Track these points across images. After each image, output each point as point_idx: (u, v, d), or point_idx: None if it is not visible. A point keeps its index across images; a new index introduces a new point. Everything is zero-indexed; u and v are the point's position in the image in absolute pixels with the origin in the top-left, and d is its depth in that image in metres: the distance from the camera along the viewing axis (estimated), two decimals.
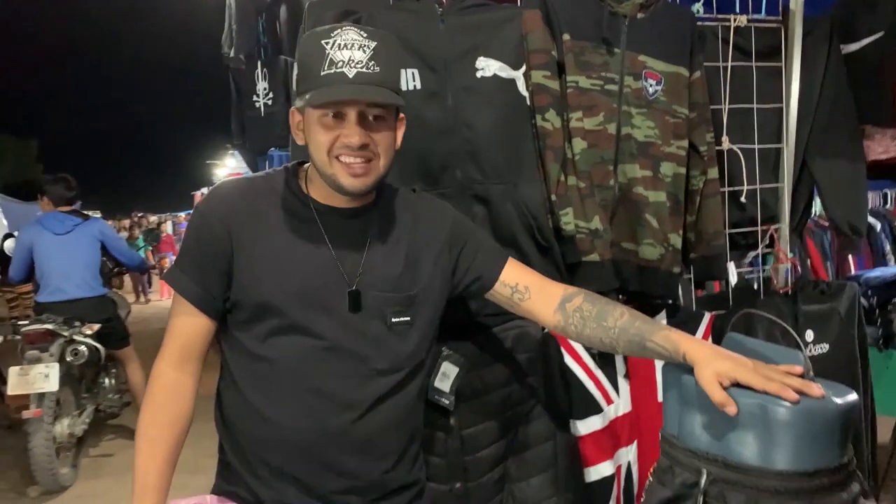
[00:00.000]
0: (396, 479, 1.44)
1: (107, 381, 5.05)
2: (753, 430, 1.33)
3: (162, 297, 13.83)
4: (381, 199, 1.46)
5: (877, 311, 3.07)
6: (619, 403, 2.07)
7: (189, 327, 1.39)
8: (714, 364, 1.30)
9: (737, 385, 1.35)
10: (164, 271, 1.48)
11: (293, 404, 1.36)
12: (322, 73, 1.27)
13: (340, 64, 1.27)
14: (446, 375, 1.83)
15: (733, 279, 2.45)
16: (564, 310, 1.50)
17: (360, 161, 1.32)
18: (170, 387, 1.39)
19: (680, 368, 1.55)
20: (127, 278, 12.26)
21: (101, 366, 4.87)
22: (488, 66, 1.92)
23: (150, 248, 13.34)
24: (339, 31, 1.29)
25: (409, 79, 1.86)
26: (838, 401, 1.31)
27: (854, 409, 1.32)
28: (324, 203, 1.41)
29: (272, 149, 4.41)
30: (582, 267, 1.96)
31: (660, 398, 2.12)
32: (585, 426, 2.00)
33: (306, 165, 1.45)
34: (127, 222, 18.79)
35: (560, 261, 1.96)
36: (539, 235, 1.93)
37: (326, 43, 1.28)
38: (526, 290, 1.54)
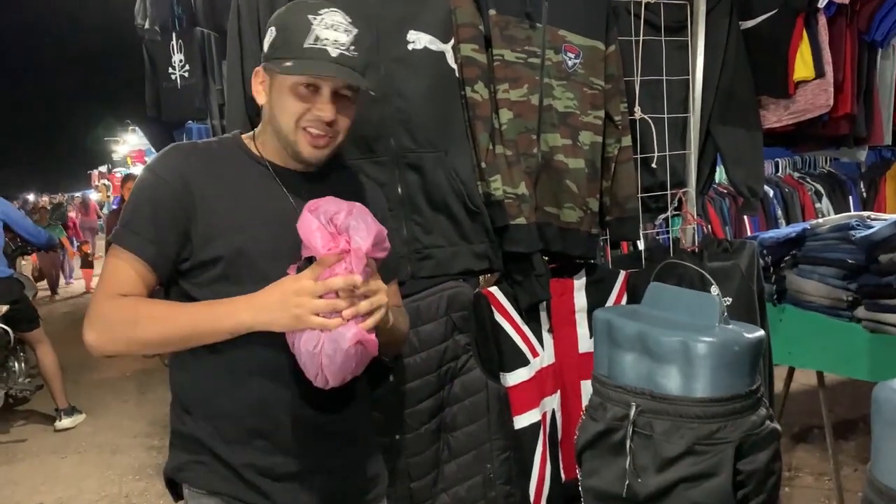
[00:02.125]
0: (354, 427, 1.50)
1: (16, 365, 4.91)
2: (676, 363, 1.50)
3: (88, 289, 12.05)
4: (331, 168, 1.51)
5: (772, 268, 3.31)
6: (544, 356, 2.22)
7: (136, 284, 1.33)
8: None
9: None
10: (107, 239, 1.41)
11: (259, 365, 1.37)
12: (305, 46, 1.32)
13: (325, 42, 1.33)
14: None
15: (641, 241, 2.64)
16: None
17: (324, 135, 1.38)
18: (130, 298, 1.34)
19: (609, 314, 1.71)
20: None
21: (9, 349, 4.73)
22: (419, 39, 2.00)
23: (64, 233, 12.23)
24: (327, 10, 1.35)
25: None
26: (748, 335, 1.49)
27: (761, 343, 1.50)
28: (281, 165, 1.44)
29: (189, 121, 4.32)
30: (509, 230, 2.08)
31: (580, 350, 2.28)
32: (514, 377, 2.15)
33: (251, 133, 1.49)
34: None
35: (489, 224, 2.07)
36: (469, 201, 2.03)
37: (313, 18, 1.33)
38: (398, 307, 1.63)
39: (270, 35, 1.38)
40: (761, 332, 1.51)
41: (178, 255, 1.37)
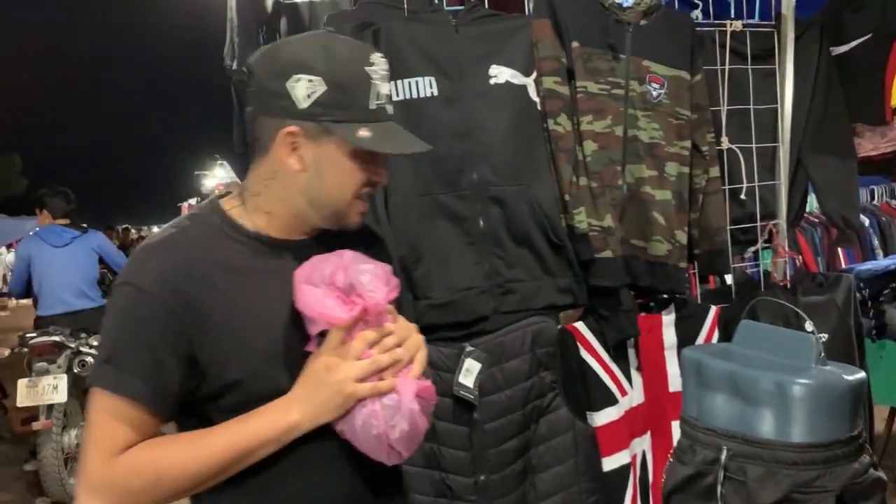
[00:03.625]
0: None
1: None
2: (770, 406, 1.43)
3: None
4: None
5: (869, 302, 3.17)
6: (633, 395, 2.16)
7: (135, 436, 1.07)
8: None
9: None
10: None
11: (309, 459, 1.14)
12: (372, 108, 1.13)
13: (384, 99, 1.15)
14: (469, 371, 1.91)
15: (731, 275, 2.56)
16: None
17: (370, 201, 1.23)
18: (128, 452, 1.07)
19: (698, 353, 1.65)
20: None
21: None
22: (501, 73, 2.01)
23: None
24: (376, 56, 1.16)
25: (427, 86, 1.96)
26: (848, 377, 1.41)
27: (862, 385, 1.42)
28: (281, 237, 1.20)
29: None
30: (595, 263, 2.05)
31: (670, 389, 2.21)
32: (602, 417, 2.09)
33: (232, 199, 1.22)
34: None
35: (573, 258, 2.05)
36: (553, 234, 2.01)
37: (371, 70, 1.13)
38: None
39: (314, 88, 1.10)
40: (862, 374, 1.43)
41: (182, 387, 1.09)
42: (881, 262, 3.30)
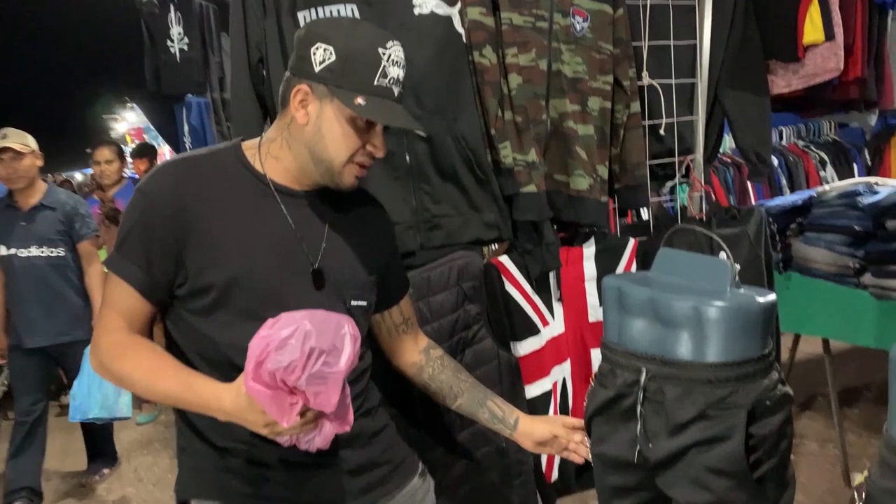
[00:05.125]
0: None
1: None
2: (687, 328, 1.49)
3: None
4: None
5: (777, 236, 3.31)
6: (554, 325, 2.22)
7: (132, 312, 1.31)
8: (535, 431, 1.65)
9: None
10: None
11: None
12: (375, 83, 1.29)
13: (391, 80, 1.31)
14: None
15: (649, 209, 2.63)
16: (428, 353, 1.66)
17: (368, 167, 1.37)
18: (126, 337, 1.31)
19: (619, 281, 1.70)
20: None
21: None
22: (425, 3, 1.97)
23: None
24: (393, 44, 1.33)
25: (347, 14, 1.90)
26: (760, 299, 1.47)
27: (773, 307, 1.49)
28: (283, 184, 1.37)
29: (189, 95, 4.30)
30: (519, 198, 2.06)
31: (590, 319, 2.28)
32: (525, 347, 2.14)
33: (253, 142, 1.41)
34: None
35: (498, 193, 2.05)
36: (478, 169, 2.01)
37: (383, 53, 1.30)
38: (411, 324, 1.64)
39: (327, 56, 1.29)
40: (773, 297, 1.49)
41: (171, 283, 1.31)
42: (788, 198, 3.43)
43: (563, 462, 2.23)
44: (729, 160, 4.64)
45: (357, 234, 1.46)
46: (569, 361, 2.26)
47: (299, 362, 1.06)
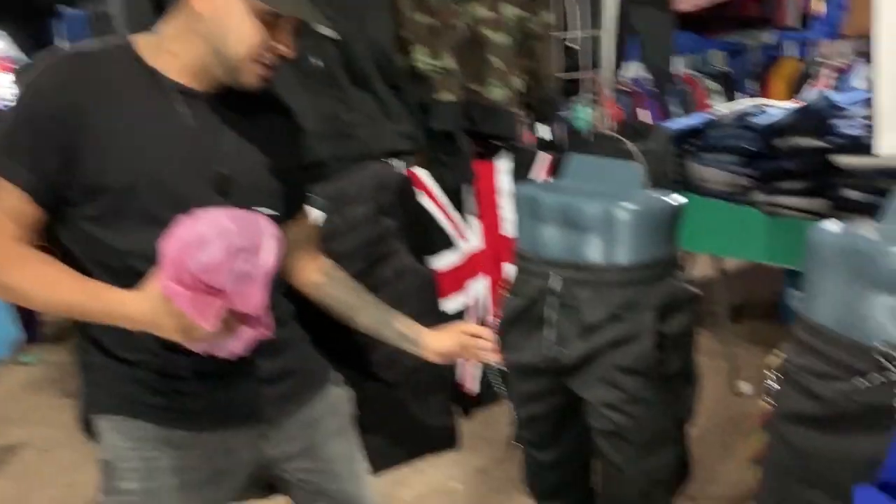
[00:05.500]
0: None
1: None
2: (599, 232, 1.52)
3: None
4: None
5: (673, 157, 3.41)
6: (471, 240, 2.23)
7: (22, 218, 1.19)
8: (439, 344, 1.51)
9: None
10: None
11: None
12: None
13: None
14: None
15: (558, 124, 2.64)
16: (329, 273, 1.54)
17: (275, 69, 1.24)
18: (17, 245, 1.19)
19: (531, 189, 1.72)
20: None
21: None
22: None
23: None
24: None
25: None
26: (670, 201, 1.52)
27: (682, 209, 1.54)
28: (182, 82, 1.24)
29: (61, 6, 3.91)
30: (435, 108, 2.04)
31: (505, 234, 2.31)
32: (442, 261, 2.16)
33: (147, 36, 1.27)
34: None
35: (412, 101, 2.02)
36: (391, 75, 1.97)
37: None
38: (313, 241, 1.54)
39: None
40: (682, 199, 1.55)
41: (63, 186, 1.19)
42: (685, 120, 3.52)
43: (481, 374, 2.28)
44: (624, 87, 4.73)
45: (264, 140, 1.35)
46: (486, 277, 2.29)
47: (223, 262, 1.00)
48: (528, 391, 1.75)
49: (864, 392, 1.10)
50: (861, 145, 2.21)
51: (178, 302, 1.03)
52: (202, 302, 1.02)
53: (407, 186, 2.05)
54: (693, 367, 1.62)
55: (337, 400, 1.56)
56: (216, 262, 1.00)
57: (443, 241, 2.14)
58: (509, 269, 2.33)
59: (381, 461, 2.14)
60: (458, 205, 2.18)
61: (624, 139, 1.94)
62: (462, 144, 2.10)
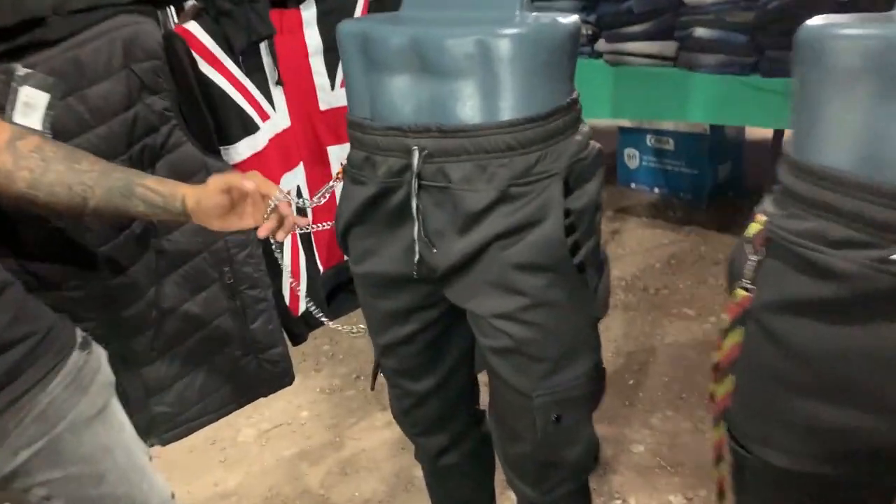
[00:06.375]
0: None
1: None
2: (471, 76, 1.03)
3: None
4: None
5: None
6: (277, 118, 1.67)
7: None
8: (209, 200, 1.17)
9: None
10: None
11: None
12: None
13: None
14: (31, 107, 1.25)
15: None
16: (15, 148, 1.06)
17: None
18: None
19: (360, 25, 1.19)
20: None
21: None
22: None
23: None
24: None
25: None
26: (563, 20, 1.05)
27: (578, 30, 1.08)
28: None
29: None
30: None
31: (321, 106, 1.77)
32: (241, 150, 1.59)
33: None
34: None
35: None
36: None
37: None
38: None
39: None
40: (576, 18, 1.08)
41: None
42: None
43: (311, 289, 1.79)
44: None
45: None
46: (302, 165, 1.76)
47: None
48: (390, 309, 1.30)
49: None
50: None
51: None
52: None
53: (177, 49, 1.43)
54: (602, 247, 1.22)
55: (85, 370, 1.09)
56: None
57: (240, 123, 1.57)
58: (336, 156, 1.82)
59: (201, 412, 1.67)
60: (255, 72, 1.59)
61: None
62: None
